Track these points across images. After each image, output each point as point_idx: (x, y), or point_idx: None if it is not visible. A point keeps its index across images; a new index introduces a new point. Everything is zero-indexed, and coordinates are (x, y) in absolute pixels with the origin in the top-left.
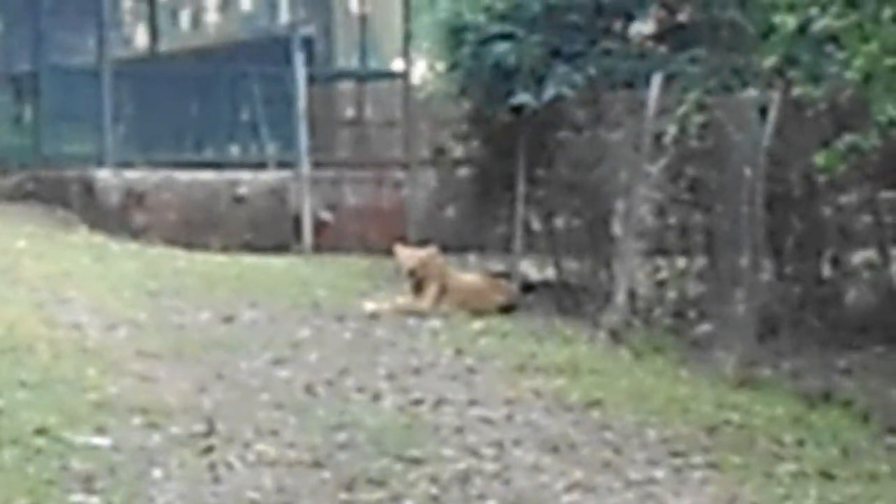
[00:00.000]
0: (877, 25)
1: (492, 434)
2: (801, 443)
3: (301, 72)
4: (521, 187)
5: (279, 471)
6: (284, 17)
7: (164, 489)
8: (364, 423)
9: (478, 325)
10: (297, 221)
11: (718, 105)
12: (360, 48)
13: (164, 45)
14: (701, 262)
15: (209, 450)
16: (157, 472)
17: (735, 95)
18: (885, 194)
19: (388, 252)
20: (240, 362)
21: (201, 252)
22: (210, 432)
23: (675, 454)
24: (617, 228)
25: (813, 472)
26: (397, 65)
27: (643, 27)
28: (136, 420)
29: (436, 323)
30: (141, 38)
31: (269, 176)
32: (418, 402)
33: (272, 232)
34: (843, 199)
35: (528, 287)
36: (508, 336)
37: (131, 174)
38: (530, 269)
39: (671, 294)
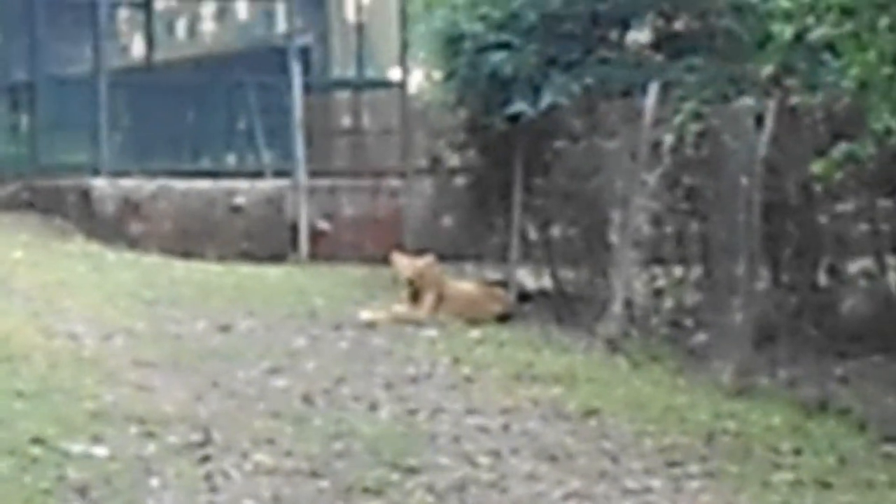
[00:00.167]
0: (873, 34)
1: (489, 443)
2: (798, 451)
3: (297, 81)
4: (518, 196)
5: (276, 480)
6: (281, 26)
7: (161, 498)
8: (361, 431)
9: (474, 334)
10: (293, 230)
11: (715, 114)
12: (357, 57)
13: (160, 55)
14: (697, 270)
15: (206, 459)
16: (153, 482)
17: (732, 104)
18: (882, 203)
19: (385, 261)
20: (236, 371)
21: (198, 261)
22: (207, 441)
23: (672, 463)
24: (613, 237)
25: (810, 480)
26: (394, 74)
27: (639, 36)
28: (133, 429)
29: (432, 332)
30: (137, 47)
31: (266, 185)
32: (415, 411)
33: (269, 241)
34: (840, 208)
35: (524, 296)
36: (505, 345)
37: (127, 183)
38: (527, 277)
39: (668, 303)
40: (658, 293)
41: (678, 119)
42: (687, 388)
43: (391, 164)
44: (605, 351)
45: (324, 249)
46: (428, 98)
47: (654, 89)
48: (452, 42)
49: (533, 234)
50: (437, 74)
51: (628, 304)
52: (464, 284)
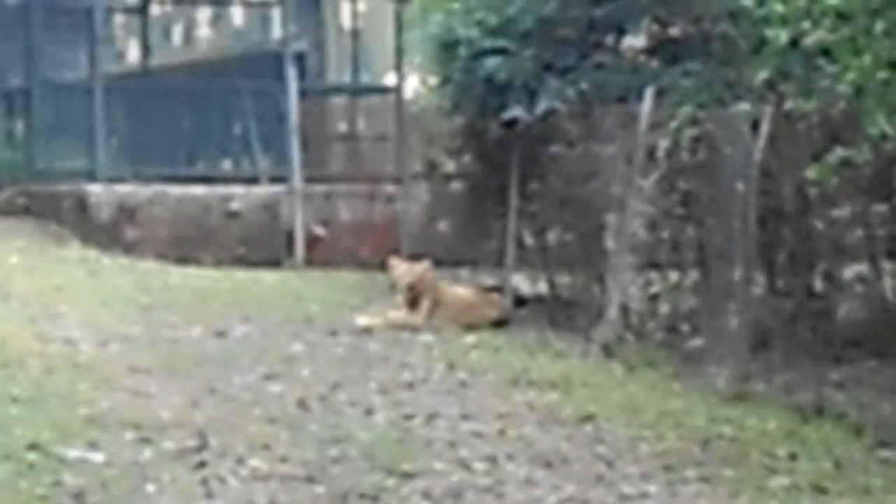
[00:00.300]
0: (869, 39)
1: (484, 448)
2: (793, 456)
3: (293, 86)
4: (514, 201)
5: (272, 485)
6: (276, 32)
7: None
8: (357, 437)
9: (470, 339)
10: (289, 236)
11: (711, 119)
12: (353, 63)
13: (156, 61)
14: (693, 275)
15: (202, 464)
16: (149, 487)
17: (727, 109)
18: (877, 208)
19: (381, 266)
20: (232, 377)
21: (193, 267)
22: (202, 447)
23: (668, 468)
24: (609, 242)
25: (806, 485)
26: (389, 79)
27: (635, 41)
28: (129, 435)
29: (428, 337)
30: (133, 53)
31: (262, 191)
32: (411, 417)
33: (264, 246)
34: (836, 213)
35: (520, 301)
36: (501, 350)
37: (123, 189)
38: (523, 283)
39: (664, 308)
40: (654, 298)
41: (674, 124)
42: (683, 393)
43: (387, 170)
44: (601, 356)
45: (320, 255)
46: (424, 103)
47: (649, 94)
48: (448, 47)
49: (529, 240)
50: (433, 80)
51: (624, 309)
52: (460, 290)
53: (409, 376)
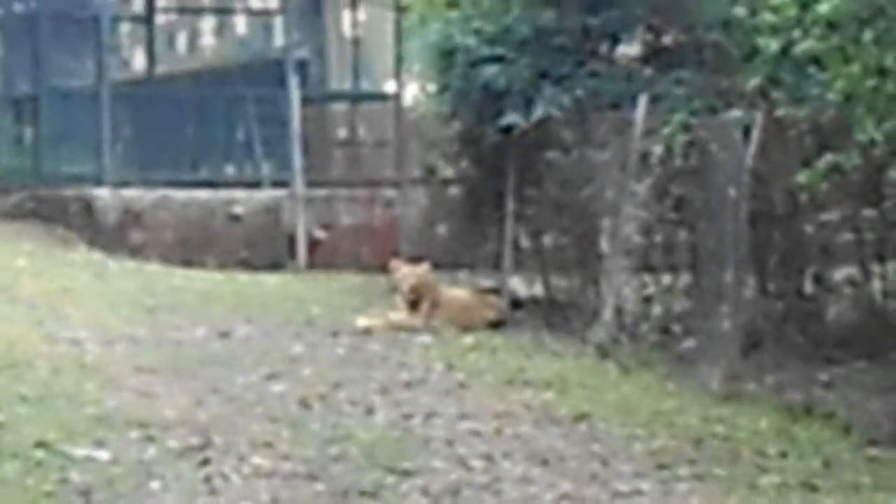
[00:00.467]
0: (858, 48)
1: (482, 447)
2: (784, 455)
3: (295, 93)
4: (511, 206)
5: (274, 483)
6: (279, 40)
7: (162, 501)
8: (357, 436)
9: (468, 340)
10: (291, 239)
11: (703, 125)
12: (353, 70)
13: (161, 68)
14: (686, 278)
15: (205, 462)
16: (154, 485)
17: (719, 116)
18: (866, 212)
19: (381, 269)
20: (235, 377)
21: (198, 269)
22: (206, 445)
23: (662, 466)
24: (604, 246)
25: (796, 483)
26: (389, 86)
27: (629, 49)
28: (134, 434)
29: (427, 338)
30: (138, 60)
31: (264, 195)
32: (410, 416)
33: (267, 250)
34: (825, 217)
35: (517, 303)
36: (498, 351)
37: (129, 193)
38: (519, 285)
39: (657, 310)
40: (647, 300)
41: (667, 130)
42: (676, 393)
43: (387, 175)
44: (596, 357)
45: (321, 258)
46: (422, 110)
47: (643, 101)
48: (446, 55)
49: (525, 243)
50: (432, 87)
51: (618, 311)
52: (458, 292)
53: (408, 376)
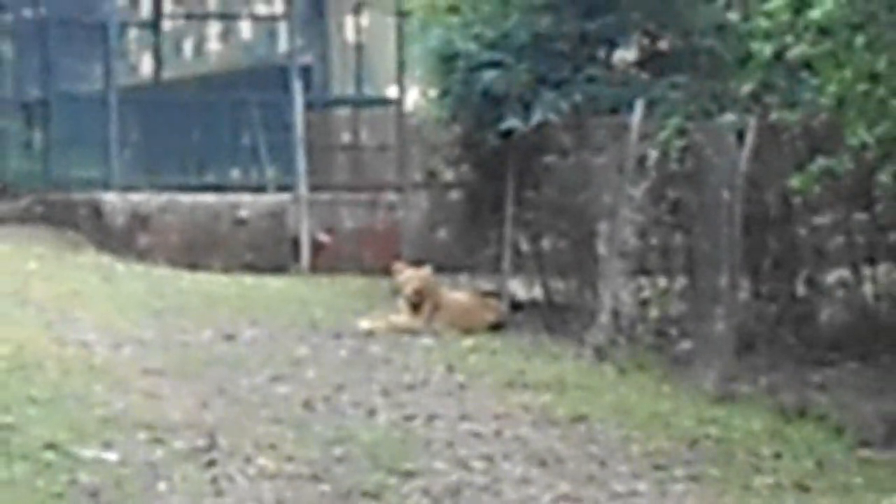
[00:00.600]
0: (849, 53)
1: (482, 448)
2: (777, 456)
3: (299, 98)
4: (510, 209)
5: (279, 484)
6: (283, 46)
7: (169, 502)
8: (359, 437)
9: (468, 342)
10: (295, 243)
11: (698, 130)
12: (356, 76)
13: (168, 73)
14: (682, 281)
15: (211, 464)
16: (161, 486)
17: (714, 120)
18: (858, 216)
19: (383, 272)
20: (241, 379)
21: (204, 272)
22: (212, 447)
23: (658, 467)
24: (601, 249)
25: (789, 484)
26: (391, 92)
27: (626, 55)
28: (142, 435)
29: (428, 341)
30: (146, 66)
31: (269, 199)
32: (411, 418)
33: (271, 253)
34: (818, 221)
35: (516, 306)
36: (498, 353)
37: (137, 197)
38: (518, 288)
39: (653, 313)
40: (644, 303)
41: (663, 135)
42: (671, 395)
43: (389, 179)
44: (593, 359)
45: (324, 261)
46: (424, 115)
47: (639, 106)
48: (447, 61)
49: (524, 246)
50: (433, 92)
51: (615, 313)
52: (458, 295)
53: (409, 378)
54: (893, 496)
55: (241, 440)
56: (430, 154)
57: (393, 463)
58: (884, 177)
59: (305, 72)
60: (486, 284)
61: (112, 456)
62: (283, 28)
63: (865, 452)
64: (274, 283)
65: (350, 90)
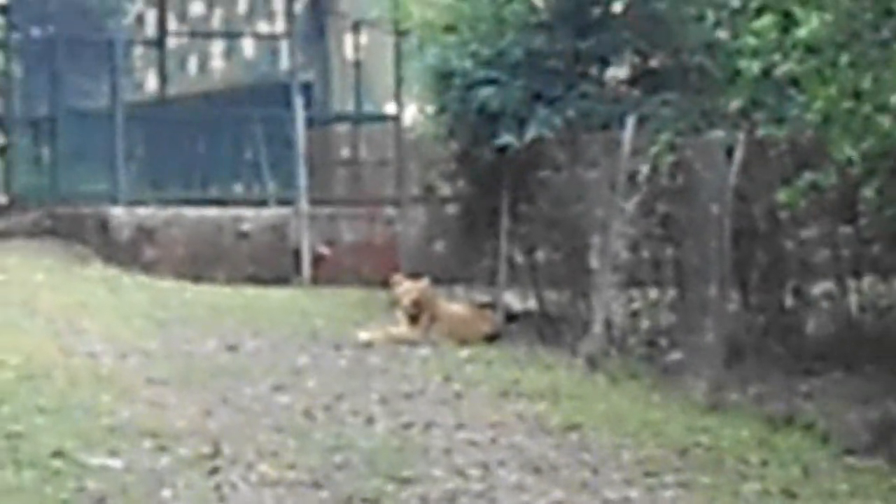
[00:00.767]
0: (835, 71)
1: (478, 455)
2: (765, 463)
3: (300, 115)
4: (505, 223)
5: (280, 490)
6: (284, 63)
7: None
8: (359, 445)
9: (464, 352)
10: (296, 255)
11: (688, 145)
12: (355, 93)
13: (172, 90)
14: (672, 293)
15: (215, 471)
16: (166, 492)
17: (703, 136)
18: (843, 229)
19: (382, 284)
20: (243, 388)
21: (207, 284)
22: (216, 454)
23: (649, 474)
24: (594, 262)
25: (777, 490)
26: (390, 108)
27: (618, 72)
28: (147, 443)
29: (425, 351)
30: (151, 83)
31: (271, 213)
32: (409, 426)
33: (273, 265)
34: (804, 234)
35: (511, 317)
36: (493, 363)
37: (142, 211)
38: (513, 299)
39: (644, 323)
40: (635, 314)
41: (654, 150)
42: (662, 404)
43: (387, 193)
44: (586, 369)
45: (324, 273)
46: (421, 131)
47: (631, 122)
48: (444, 78)
49: (519, 259)
50: (430, 109)
51: (607, 324)
52: (454, 306)
53: (407, 388)
54: (877, 502)
55: (243, 448)
56: (428, 169)
57: (391, 470)
58: (868, 191)
59: (306, 89)
60: (482, 296)
61: (118, 463)
62: (284, 46)
63: (850, 460)
64: (276, 294)
65: (350, 107)
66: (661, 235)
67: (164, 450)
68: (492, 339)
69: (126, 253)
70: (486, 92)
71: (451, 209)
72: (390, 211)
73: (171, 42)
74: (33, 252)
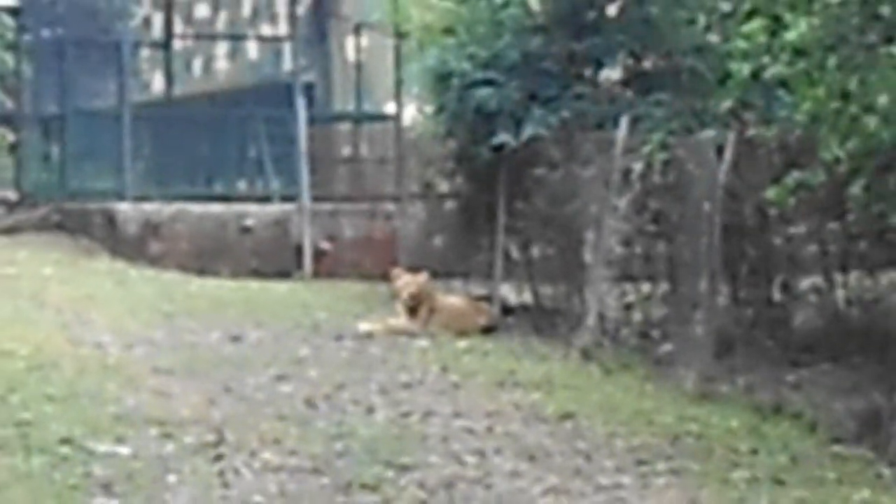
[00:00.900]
0: (822, 72)
1: (474, 443)
2: (754, 451)
3: (302, 114)
4: (502, 219)
5: (282, 477)
6: (287, 65)
7: (178, 494)
8: (359, 433)
9: (462, 344)
10: (298, 250)
11: (680, 144)
12: (356, 93)
13: (178, 90)
14: (664, 287)
15: (219, 458)
16: (171, 478)
17: (695, 136)
18: (831, 226)
19: (382, 278)
20: (246, 378)
21: (212, 278)
22: (220, 442)
23: (641, 462)
24: (588, 256)
25: (765, 478)
26: (389, 108)
27: (612, 73)
28: (153, 431)
29: (424, 342)
30: (157, 83)
31: (274, 208)
32: (408, 415)
33: (276, 260)
34: (792, 230)
35: (507, 310)
36: (490, 354)
37: (148, 207)
38: (509, 293)
39: (637, 316)
40: (628, 307)
41: (646, 149)
42: (654, 394)
43: (387, 190)
44: (580, 360)
45: (326, 267)
46: (420, 130)
47: (624, 122)
48: (442, 79)
49: (515, 254)
50: (429, 108)
51: (601, 317)
52: (452, 299)
53: (406, 378)
54: (864, 489)
55: (246, 435)
56: (427, 167)
57: (390, 457)
58: (855, 189)
59: (308, 89)
60: (479, 289)
61: (124, 450)
62: (287, 48)
63: (837, 448)
64: (278, 287)
65: (350, 106)
66: (653, 231)
67: (170, 437)
68: (488, 331)
69: (132, 247)
70: (483, 92)
71: (450, 205)
72: (390, 207)
73: (177, 44)
74: (42, 246)
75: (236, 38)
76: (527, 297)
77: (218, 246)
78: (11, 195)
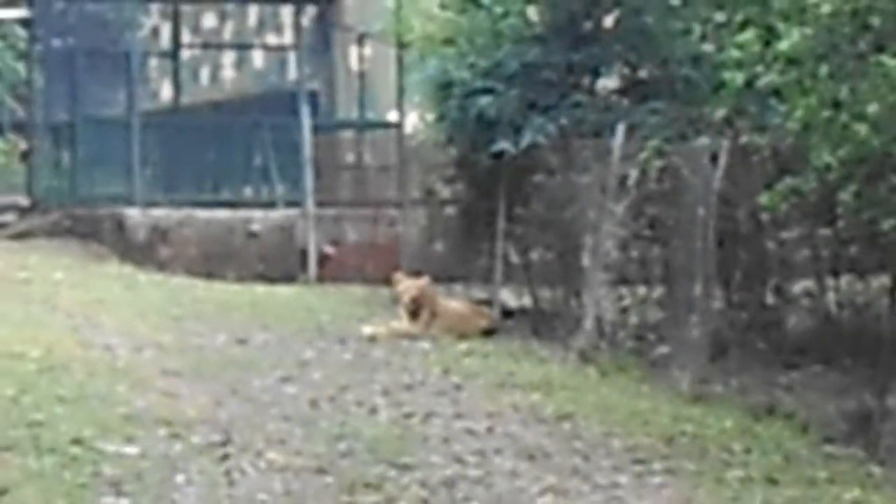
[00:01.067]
0: (814, 81)
1: (475, 444)
2: (748, 451)
3: (307, 122)
4: (501, 224)
5: (287, 476)
6: (292, 74)
7: (186, 493)
8: (362, 433)
9: (463, 346)
10: (303, 255)
11: (675, 152)
12: (359, 101)
13: (186, 99)
14: (659, 291)
15: (225, 457)
16: (179, 478)
17: (690, 143)
18: (822, 231)
19: (385, 282)
20: (252, 380)
21: (218, 282)
22: (226, 442)
23: (637, 461)
24: (585, 261)
25: (759, 477)
26: (392, 116)
27: (609, 82)
28: (161, 431)
29: (426, 345)
30: (166, 92)
31: (279, 214)
32: (410, 416)
33: (281, 264)
34: (785, 235)
35: (507, 313)
36: (490, 357)
37: (157, 212)
38: (509, 297)
39: (633, 319)
40: (624, 310)
41: (643, 156)
42: (650, 395)
43: (389, 196)
44: (578, 362)
45: (330, 271)
46: (422, 137)
47: (621, 130)
48: (443, 88)
49: (514, 258)
50: (430, 116)
51: (598, 320)
52: (453, 303)
53: (408, 379)
54: (855, 488)
55: (252, 436)
56: (428, 173)
57: (393, 457)
58: (846, 195)
59: (313, 97)
60: (479, 293)
61: (133, 450)
62: (292, 57)
63: (829, 448)
64: (283, 291)
65: (354, 114)
66: (649, 236)
67: (177, 437)
68: (489, 333)
69: (141, 252)
70: (483, 101)
71: (451, 211)
72: (392, 213)
73: (185, 54)
74: (53, 251)
75: (242, 48)
76: (526, 301)
77: (224, 251)
78: (23, 201)
